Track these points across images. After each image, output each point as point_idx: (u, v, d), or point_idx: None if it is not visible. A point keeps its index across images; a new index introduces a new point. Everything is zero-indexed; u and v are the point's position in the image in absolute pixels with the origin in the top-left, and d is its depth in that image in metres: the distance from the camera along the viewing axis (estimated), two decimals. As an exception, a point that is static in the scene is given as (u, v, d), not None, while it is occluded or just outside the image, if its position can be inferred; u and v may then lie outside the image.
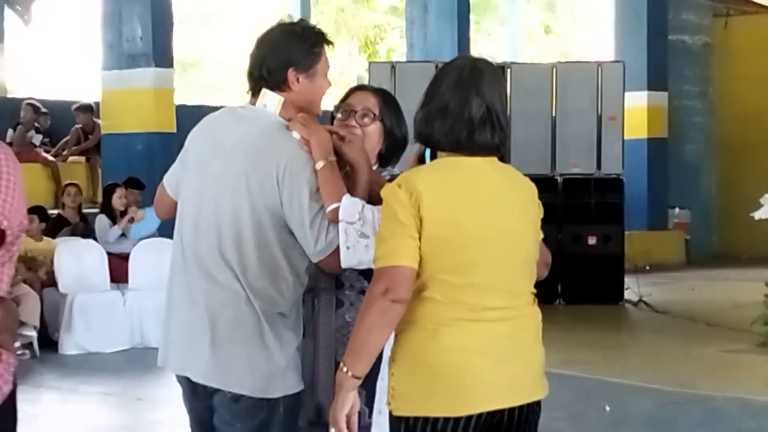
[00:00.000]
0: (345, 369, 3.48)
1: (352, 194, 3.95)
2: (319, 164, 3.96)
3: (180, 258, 4.06)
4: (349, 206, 3.88)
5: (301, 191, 3.89)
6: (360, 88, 4.52)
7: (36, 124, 16.31)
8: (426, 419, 3.50)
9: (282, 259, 3.94)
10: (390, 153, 4.32)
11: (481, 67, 3.73)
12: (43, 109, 17.05)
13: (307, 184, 3.90)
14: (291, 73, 4.02)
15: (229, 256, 3.92)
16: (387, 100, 4.41)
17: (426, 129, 3.64)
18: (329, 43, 4.19)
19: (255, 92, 4.10)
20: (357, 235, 3.89)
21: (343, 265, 3.93)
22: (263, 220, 3.92)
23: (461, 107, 3.57)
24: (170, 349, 4.08)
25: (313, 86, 4.11)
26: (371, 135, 4.24)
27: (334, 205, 3.88)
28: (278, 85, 4.02)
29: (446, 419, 3.47)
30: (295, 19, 4.32)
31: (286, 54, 4.05)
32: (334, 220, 3.89)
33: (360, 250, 3.90)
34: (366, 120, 4.24)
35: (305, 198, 3.88)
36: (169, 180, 4.24)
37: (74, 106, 17.07)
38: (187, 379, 4.04)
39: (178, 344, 4.05)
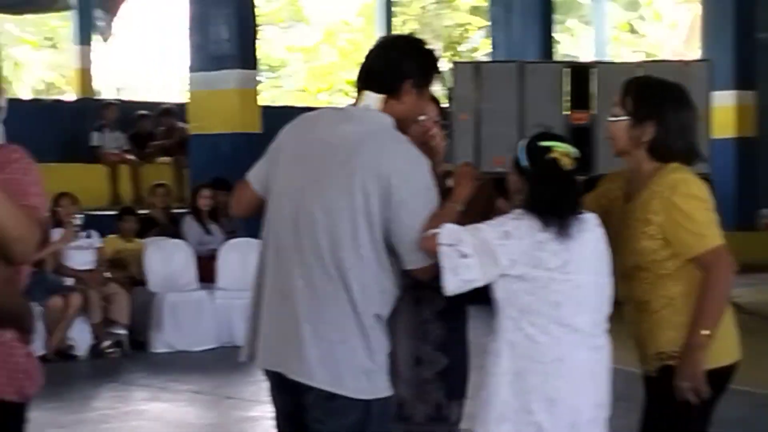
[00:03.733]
0: (705, 331, 4.04)
1: (449, 203, 4.00)
2: (458, 206, 4.01)
3: (272, 253, 4.02)
4: (448, 231, 3.90)
5: (415, 197, 3.88)
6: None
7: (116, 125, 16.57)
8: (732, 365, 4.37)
9: (382, 261, 3.93)
10: None
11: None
12: (142, 111, 17.33)
13: (422, 190, 3.91)
14: (407, 84, 4.02)
15: (329, 253, 3.88)
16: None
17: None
18: (440, 74, 4.23)
19: (360, 92, 4.10)
20: (458, 257, 3.90)
21: (450, 289, 3.94)
22: (367, 220, 3.89)
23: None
24: (259, 344, 4.03)
25: (418, 104, 4.12)
26: (439, 142, 4.29)
27: (432, 232, 3.88)
28: (390, 91, 4.00)
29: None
30: (420, 39, 4.34)
31: (409, 66, 4.06)
32: (430, 247, 3.89)
33: (463, 270, 3.92)
34: (432, 126, 4.29)
35: (418, 205, 3.89)
36: (255, 177, 4.20)
37: (157, 110, 17.32)
38: (277, 375, 4.02)
39: (269, 340, 4.01)
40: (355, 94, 4.19)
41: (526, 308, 4.06)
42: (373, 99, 4.01)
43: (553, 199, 4.07)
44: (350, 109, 4.14)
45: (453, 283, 3.94)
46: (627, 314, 4.37)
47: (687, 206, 4.16)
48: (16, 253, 3.11)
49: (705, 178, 15.14)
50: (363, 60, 4.15)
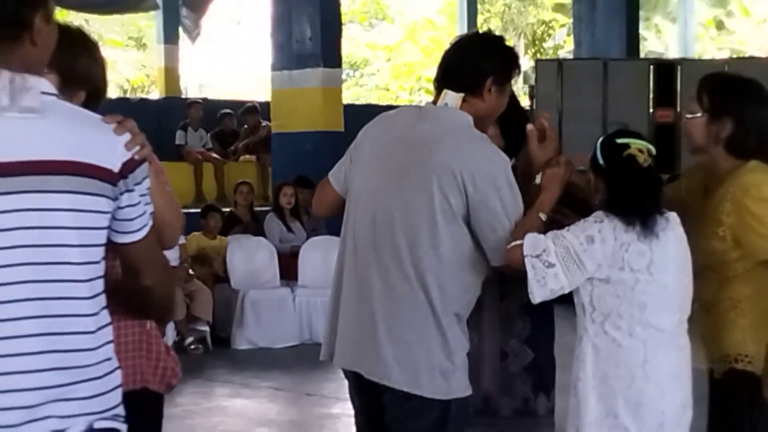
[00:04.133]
0: None
1: (534, 211, 3.97)
2: (543, 216, 3.98)
3: (351, 252, 4.03)
4: (532, 241, 3.89)
5: (494, 196, 3.87)
6: None
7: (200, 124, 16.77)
8: None
9: (462, 261, 3.91)
10: (510, 145, 4.28)
11: None
12: (226, 110, 17.48)
13: (502, 188, 3.89)
14: (488, 83, 4.01)
15: (407, 253, 3.88)
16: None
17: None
18: (520, 71, 4.22)
19: (439, 90, 4.09)
20: (544, 266, 3.90)
21: (537, 298, 3.93)
22: (446, 219, 3.87)
23: None
24: (337, 344, 4.04)
25: (499, 102, 4.10)
26: (495, 137, 4.23)
27: (515, 243, 3.88)
28: (472, 89, 3.99)
29: None
30: (498, 36, 4.35)
31: (489, 63, 4.05)
32: (515, 259, 3.88)
33: (550, 279, 3.91)
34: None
35: (498, 204, 3.87)
36: (336, 176, 4.21)
37: (241, 109, 17.45)
38: (356, 374, 4.02)
39: (347, 339, 4.02)
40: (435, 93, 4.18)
41: (612, 311, 4.05)
42: (452, 97, 3.99)
43: (634, 198, 4.04)
44: (429, 108, 4.13)
45: (540, 293, 3.94)
46: (694, 314, 4.33)
47: (758, 209, 4.13)
48: (165, 238, 3.20)
49: None
50: (441, 59, 4.14)
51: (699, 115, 4.27)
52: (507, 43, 4.21)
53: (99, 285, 2.76)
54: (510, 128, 4.29)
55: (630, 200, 4.04)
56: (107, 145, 2.76)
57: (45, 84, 2.75)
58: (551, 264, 3.89)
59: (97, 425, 2.71)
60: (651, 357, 4.05)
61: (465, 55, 4.10)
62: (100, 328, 2.75)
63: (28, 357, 2.62)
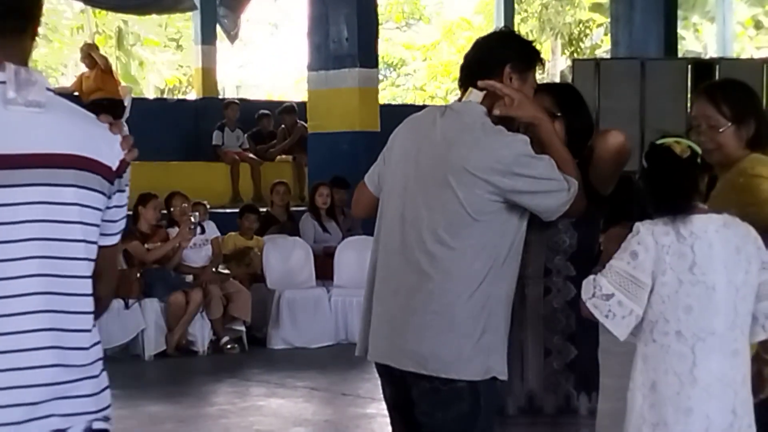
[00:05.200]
0: None
1: (550, 154, 4.02)
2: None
3: (383, 250, 4.12)
4: (584, 285, 3.94)
5: (529, 168, 3.94)
6: (537, 89, 4.51)
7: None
8: None
9: (489, 250, 3.97)
10: (574, 145, 4.28)
11: None
12: (263, 110, 17.53)
13: (531, 160, 3.95)
14: (507, 69, 4.06)
15: (434, 246, 3.95)
16: (565, 96, 4.47)
17: None
18: (543, 63, 4.26)
19: (464, 89, 4.13)
20: (604, 301, 3.92)
21: (621, 336, 3.97)
22: (470, 212, 3.93)
23: None
24: (370, 338, 4.12)
25: (522, 90, 4.13)
26: (558, 132, 4.25)
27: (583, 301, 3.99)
28: (492, 77, 4.05)
29: None
30: (512, 30, 4.41)
31: (507, 51, 4.12)
32: (585, 314, 3.98)
33: (616, 308, 3.93)
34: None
35: (533, 174, 3.94)
36: (370, 178, 4.30)
37: (279, 109, 17.48)
38: (387, 368, 4.09)
39: (380, 333, 4.09)
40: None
41: (659, 317, 4.02)
42: (476, 95, 4.04)
43: (665, 187, 4.04)
44: (451, 105, 4.20)
45: (616, 327, 3.97)
46: None
47: (748, 182, 4.24)
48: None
49: None
50: (468, 54, 4.20)
51: (729, 125, 4.35)
52: (513, 32, 4.37)
53: (91, 284, 2.75)
54: (576, 129, 4.32)
55: (662, 190, 4.04)
56: (107, 142, 2.76)
57: (45, 80, 2.73)
58: (609, 295, 3.92)
59: (96, 426, 2.71)
60: (700, 362, 4.00)
61: (482, 48, 4.18)
62: (93, 327, 2.75)
63: (33, 352, 2.60)
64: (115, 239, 2.83)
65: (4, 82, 2.61)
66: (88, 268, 2.71)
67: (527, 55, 4.15)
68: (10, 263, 2.60)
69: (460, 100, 4.15)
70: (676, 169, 4.02)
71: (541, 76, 4.67)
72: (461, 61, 4.19)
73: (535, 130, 4.07)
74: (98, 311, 2.81)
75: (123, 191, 2.82)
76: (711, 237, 3.99)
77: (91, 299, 2.74)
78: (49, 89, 2.71)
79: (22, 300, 2.60)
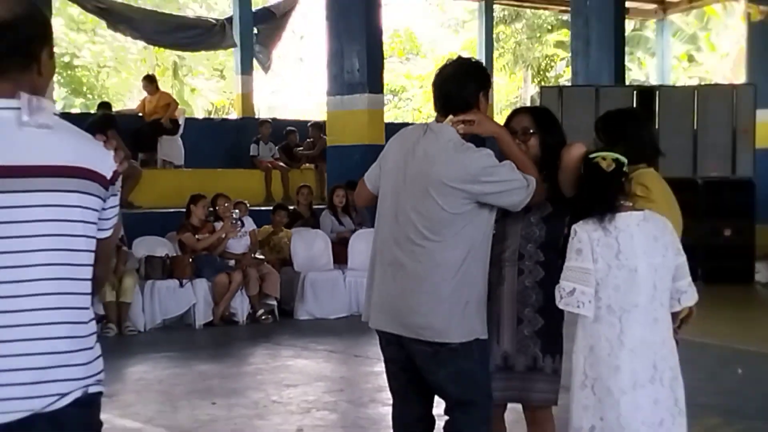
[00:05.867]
0: None
1: (510, 159, 4.07)
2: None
3: (380, 241, 4.20)
4: (555, 295, 4.06)
5: (493, 173, 3.99)
6: (517, 111, 4.60)
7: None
8: None
9: (465, 239, 4.03)
10: (548, 156, 4.29)
11: None
12: (290, 127, 17.50)
13: (496, 166, 4.01)
14: (481, 96, 4.13)
15: (421, 240, 4.02)
16: (540, 116, 4.49)
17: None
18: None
19: (443, 114, 4.18)
20: (570, 296, 4.02)
21: (589, 314, 4.02)
22: (449, 214, 4.00)
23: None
24: (372, 310, 4.19)
25: (487, 107, 4.22)
26: (532, 148, 4.29)
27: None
28: (470, 106, 4.11)
29: None
30: (470, 58, 4.46)
31: (477, 83, 4.16)
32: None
33: (581, 297, 4.01)
34: (525, 137, 4.31)
35: (497, 177, 3.99)
36: (368, 177, 4.39)
37: (310, 123, 17.47)
38: (385, 333, 4.17)
39: (379, 306, 4.16)
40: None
41: (595, 295, 4.04)
42: (449, 119, 4.12)
43: (592, 197, 4.07)
44: (431, 126, 4.21)
45: (587, 312, 4.04)
46: None
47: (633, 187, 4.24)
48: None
49: (749, 181, 14.77)
50: (434, 86, 4.23)
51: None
52: (475, 61, 4.37)
53: (91, 270, 2.75)
54: (549, 145, 4.32)
55: (589, 198, 4.08)
56: (102, 156, 2.75)
57: (53, 106, 2.76)
58: (571, 291, 4.00)
59: (91, 390, 2.71)
60: (626, 330, 4.05)
61: (459, 82, 4.17)
62: (91, 305, 2.76)
63: (45, 326, 2.61)
64: (109, 233, 2.82)
65: (19, 108, 2.62)
66: (89, 258, 2.72)
67: (487, 78, 4.26)
68: (26, 254, 2.61)
69: (438, 118, 4.21)
70: (601, 181, 4.08)
71: (516, 101, 4.69)
72: (437, 88, 4.20)
73: (496, 141, 4.11)
74: (95, 289, 2.82)
75: (116, 195, 2.82)
76: (632, 230, 4.05)
77: (90, 283, 2.75)
78: (55, 114, 2.72)
79: (37, 284, 2.61)
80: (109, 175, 2.74)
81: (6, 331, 2.58)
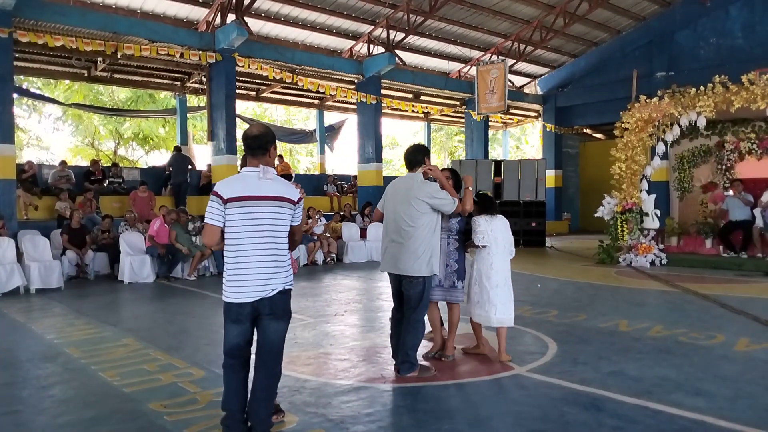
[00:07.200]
0: None
1: (445, 190, 3.78)
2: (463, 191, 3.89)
3: (386, 229, 3.94)
4: (474, 236, 3.85)
5: (437, 197, 3.76)
6: (445, 169, 4.19)
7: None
8: None
9: (428, 227, 3.79)
10: (456, 185, 4.12)
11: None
12: (341, 177, 17.21)
13: (439, 192, 3.75)
14: (426, 159, 3.91)
15: (408, 228, 3.79)
16: (453, 171, 4.25)
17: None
18: (428, 152, 4.03)
19: (410, 168, 3.95)
20: (480, 240, 3.88)
21: (481, 243, 3.83)
22: (422, 215, 3.78)
23: None
24: (382, 262, 3.96)
25: (429, 164, 3.93)
26: (451, 183, 4.04)
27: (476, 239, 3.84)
28: (421, 164, 3.91)
29: None
30: (420, 143, 4.17)
31: (423, 154, 3.93)
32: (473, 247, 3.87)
33: (482, 241, 3.89)
34: (449, 179, 4.06)
35: (439, 199, 3.74)
36: (379, 206, 4.13)
37: (352, 176, 17.24)
38: (391, 273, 3.94)
39: (387, 260, 3.92)
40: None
41: (484, 246, 3.95)
42: (417, 170, 3.90)
43: (483, 208, 4.01)
44: (410, 174, 3.98)
45: (485, 243, 3.91)
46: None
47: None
48: (298, 233, 2.93)
49: (543, 202, 14.21)
50: (405, 154, 3.98)
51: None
52: (422, 145, 4.00)
53: (287, 239, 2.73)
54: (455, 181, 4.14)
55: (482, 209, 4.01)
56: (292, 191, 2.74)
57: (273, 171, 2.73)
58: (482, 238, 3.90)
59: (286, 287, 2.70)
60: (495, 262, 3.95)
61: (415, 152, 3.95)
62: (288, 252, 2.74)
63: (268, 262, 2.63)
64: (297, 222, 2.80)
65: (259, 171, 2.66)
66: (286, 234, 2.72)
67: (428, 152, 3.95)
68: (260, 234, 2.63)
69: (409, 171, 3.97)
70: (488, 201, 4.03)
71: (447, 163, 4.48)
72: (406, 156, 3.98)
73: (439, 181, 3.91)
74: (291, 247, 2.82)
75: (300, 207, 2.80)
76: (498, 221, 3.99)
77: (287, 243, 2.73)
78: (274, 173, 2.72)
79: (263, 244, 2.63)
80: (296, 199, 2.75)
81: (261, 258, 2.59)
